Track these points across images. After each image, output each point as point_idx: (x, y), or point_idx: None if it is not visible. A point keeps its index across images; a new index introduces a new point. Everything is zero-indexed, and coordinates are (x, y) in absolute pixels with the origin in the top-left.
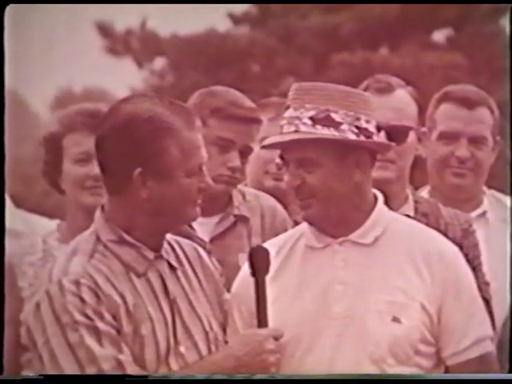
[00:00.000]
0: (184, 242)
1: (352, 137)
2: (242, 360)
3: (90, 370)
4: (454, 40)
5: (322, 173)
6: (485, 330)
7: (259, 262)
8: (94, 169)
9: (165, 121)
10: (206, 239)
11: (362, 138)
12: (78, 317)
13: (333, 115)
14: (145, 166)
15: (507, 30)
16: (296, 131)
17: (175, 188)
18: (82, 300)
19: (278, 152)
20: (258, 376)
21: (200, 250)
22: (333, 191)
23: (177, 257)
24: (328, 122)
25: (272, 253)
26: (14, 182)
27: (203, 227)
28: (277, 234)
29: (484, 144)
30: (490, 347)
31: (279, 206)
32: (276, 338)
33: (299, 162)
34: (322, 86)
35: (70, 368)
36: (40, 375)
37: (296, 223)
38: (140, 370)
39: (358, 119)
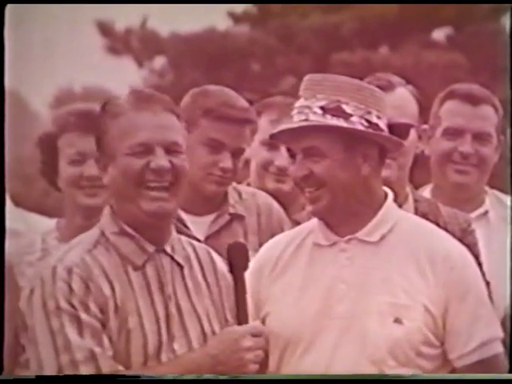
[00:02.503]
0: (198, 245)
1: (361, 128)
2: (217, 358)
3: (63, 358)
4: (454, 39)
5: (328, 163)
6: (493, 332)
7: (237, 258)
8: (88, 169)
9: (113, 105)
10: (201, 238)
11: (371, 131)
12: (63, 304)
13: (343, 106)
14: (99, 152)
15: (507, 29)
16: (306, 119)
17: (121, 167)
18: (71, 288)
19: (279, 153)
20: (258, 376)
21: (214, 254)
22: (340, 182)
23: (187, 257)
24: (338, 112)
25: (279, 249)
26: (13, 181)
27: (198, 226)
28: (273, 233)
29: (488, 141)
30: (498, 349)
31: (276, 205)
32: (255, 335)
33: (306, 151)
34: (333, 77)
35: (46, 355)
36: (36, 376)
37: (296, 222)
38: (115, 364)
39: (369, 113)
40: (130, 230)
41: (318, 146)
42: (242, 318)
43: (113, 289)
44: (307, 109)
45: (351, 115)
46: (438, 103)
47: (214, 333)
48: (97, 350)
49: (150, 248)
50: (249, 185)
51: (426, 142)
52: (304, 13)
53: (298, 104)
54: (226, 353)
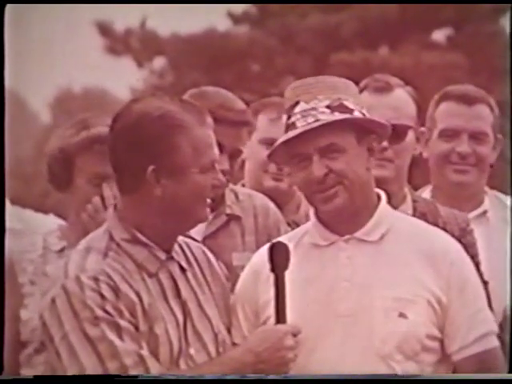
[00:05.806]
0: (193, 244)
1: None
2: (261, 356)
3: (112, 365)
4: (453, 40)
5: (346, 158)
6: (491, 326)
7: (279, 258)
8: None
9: (176, 118)
10: (199, 238)
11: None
12: (99, 312)
13: (345, 102)
14: (158, 164)
15: (507, 29)
16: (317, 120)
17: (189, 185)
18: (102, 296)
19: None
20: (265, 377)
21: (208, 253)
22: (358, 176)
23: (186, 258)
24: (343, 108)
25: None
26: (13, 181)
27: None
28: (270, 234)
29: (485, 140)
30: (495, 342)
31: (272, 206)
32: (294, 335)
33: (322, 151)
34: (325, 78)
35: (89, 363)
36: (34, 376)
37: (294, 223)
38: (160, 366)
39: (362, 107)
40: (143, 239)
41: (334, 143)
42: (281, 316)
43: (138, 294)
44: (313, 110)
45: (353, 110)
46: (433, 105)
47: (220, 332)
48: (143, 352)
49: (162, 256)
50: (243, 185)
51: (424, 145)
52: (303, 13)
53: (298, 109)
54: (269, 351)
